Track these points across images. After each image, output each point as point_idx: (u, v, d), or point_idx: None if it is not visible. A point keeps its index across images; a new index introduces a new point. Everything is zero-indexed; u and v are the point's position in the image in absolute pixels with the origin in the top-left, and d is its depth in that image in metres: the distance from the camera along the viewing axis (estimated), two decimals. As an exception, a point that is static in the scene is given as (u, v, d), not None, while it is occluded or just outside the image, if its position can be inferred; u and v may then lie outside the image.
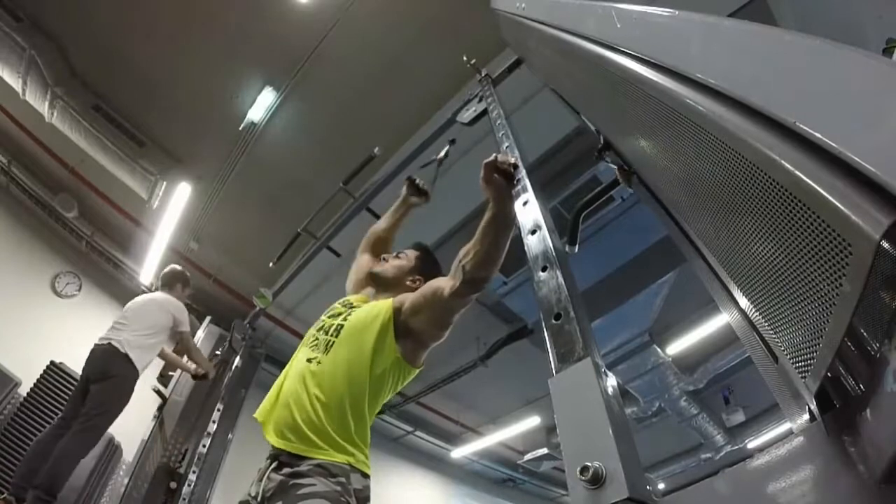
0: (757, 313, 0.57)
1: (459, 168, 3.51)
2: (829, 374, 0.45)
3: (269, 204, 4.57)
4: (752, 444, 6.05)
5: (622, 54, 0.77)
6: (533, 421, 6.34)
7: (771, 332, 0.54)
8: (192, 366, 3.24)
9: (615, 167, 1.23)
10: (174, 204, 4.14)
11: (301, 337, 1.44)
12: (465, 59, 2.44)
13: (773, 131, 0.42)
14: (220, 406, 3.36)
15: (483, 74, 2.37)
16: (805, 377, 0.47)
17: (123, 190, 4.36)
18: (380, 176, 3.36)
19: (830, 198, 0.35)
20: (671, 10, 0.71)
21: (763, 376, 0.71)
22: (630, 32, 0.78)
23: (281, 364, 1.37)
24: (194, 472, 3.02)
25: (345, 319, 1.33)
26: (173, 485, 2.95)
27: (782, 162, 0.40)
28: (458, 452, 7.14)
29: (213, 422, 3.28)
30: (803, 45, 0.47)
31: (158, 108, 3.99)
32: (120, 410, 2.74)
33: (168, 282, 3.33)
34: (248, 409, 3.57)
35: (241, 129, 3.98)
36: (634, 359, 5.16)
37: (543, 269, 0.94)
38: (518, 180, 1.19)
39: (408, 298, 1.31)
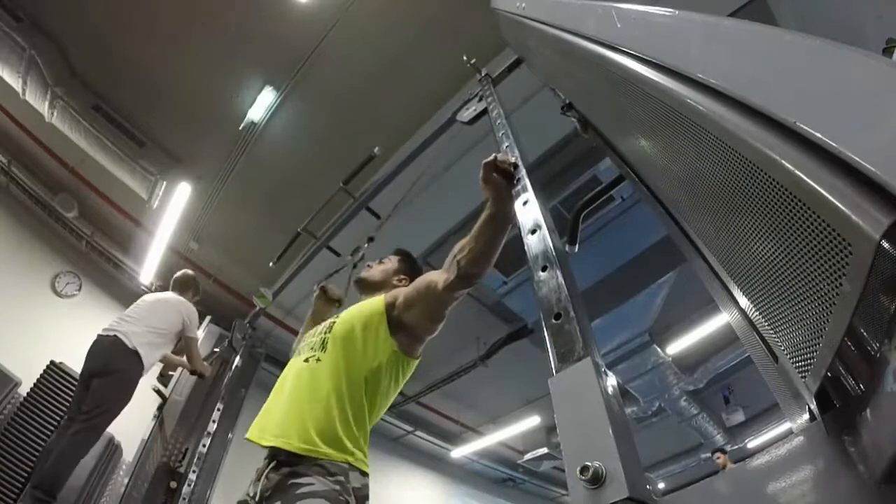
0: (757, 313, 0.57)
1: (459, 168, 3.53)
2: (829, 374, 0.45)
3: (269, 204, 4.57)
4: (752, 444, 6.06)
5: (622, 54, 0.77)
6: (533, 421, 6.35)
7: (771, 332, 0.54)
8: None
9: (574, 121, 1.32)
10: (174, 204, 4.14)
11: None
12: (465, 58, 2.44)
13: (773, 131, 0.42)
14: (220, 406, 3.36)
15: (483, 74, 2.37)
16: (805, 377, 0.47)
17: (123, 190, 4.36)
18: (380, 176, 3.36)
19: (830, 198, 0.35)
20: (671, 10, 0.71)
21: (763, 376, 0.71)
22: (630, 32, 0.78)
23: (281, 364, 1.37)
24: (194, 471, 3.03)
25: (337, 317, 1.35)
26: (173, 484, 2.94)
27: (782, 162, 0.40)
28: (458, 452, 7.15)
29: (213, 421, 3.28)
30: (803, 45, 0.47)
31: (158, 107, 3.99)
32: (122, 408, 2.67)
33: (181, 286, 3.31)
34: (248, 408, 3.57)
35: (241, 128, 3.98)
36: (634, 359, 5.16)
37: (543, 269, 0.94)
38: (518, 180, 1.20)
39: (401, 293, 1.33)
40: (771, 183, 0.42)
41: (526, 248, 1.05)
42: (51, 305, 4.36)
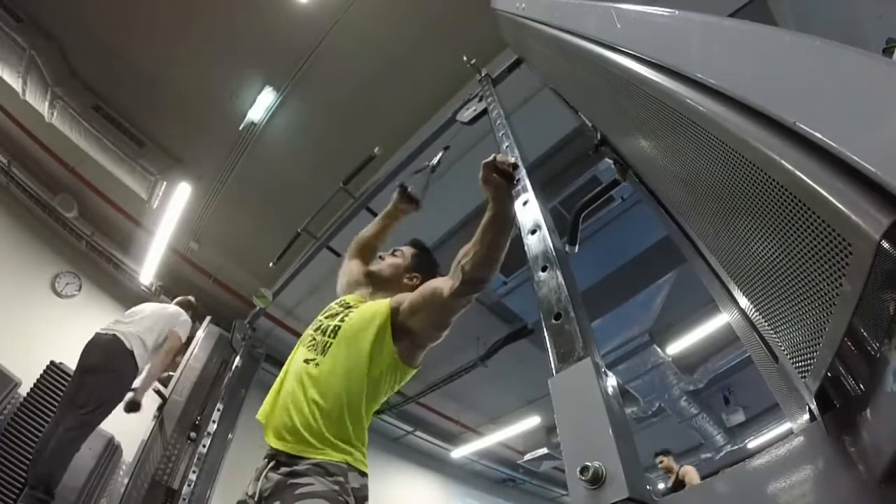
0: (757, 313, 0.57)
1: (459, 168, 3.52)
2: (829, 374, 0.45)
3: (269, 204, 4.57)
4: (752, 444, 6.06)
5: (622, 54, 0.77)
6: (533, 421, 6.35)
7: (771, 332, 0.54)
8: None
9: (612, 162, 1.24)
10: (174, 204, 4.14)
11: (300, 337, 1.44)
12: (465, 59, 2.45)
13: (773, 131, 0.42)
14: (220, 406, 3.36)
15: (483, 74, 2.38)
16: (805, 377, 0.47)
17: (123, 190, 4.36)
18: (380, 176, 3.37)
19: (830, 198, 0.35)
20: (671, 10, 0.71)
21: (763, 376, 0.71)
22: (630, 32, 0.78)
23: (281, 364, 1.36)
24: (194, 471, 3.03)
25: (342, 320, 1.31)
26: (193, 434, 2.97)
27: (782, 162, 0.40)
28: (458, 452, 7.15)
29: (213, 422, 3.28)
30: (803, 45, 0.47)
31: (158, 108, 3.99)
32: (114, 407, 2.71)
33: (182, 305, 3.39)
34: (248, 409, 3.57)
35: (241, 129, 3.98)
36: (634, 359, 5.16)
37: (543, 269, 0.94)
38: (518, 180, 1.19)
39: (406, 298, 1.30)
40: (771, 183, 0.42)
41: (526, 248, 1.05)
42: (51, 305, 4.36)
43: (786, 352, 0.51)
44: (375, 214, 3.15)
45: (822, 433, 0.48)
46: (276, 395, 1.23)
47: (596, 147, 1.30)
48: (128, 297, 4.94)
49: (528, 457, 6.81)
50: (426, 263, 1.55)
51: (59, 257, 4.63)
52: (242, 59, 3.69)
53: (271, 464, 1.10)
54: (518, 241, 1.11)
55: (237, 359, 3.74)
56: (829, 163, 0.36)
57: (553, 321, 0.82)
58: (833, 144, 0.36)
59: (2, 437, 2.91)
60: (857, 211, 0.33)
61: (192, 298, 3.53)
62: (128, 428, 3.14)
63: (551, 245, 0.99)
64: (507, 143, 1.62)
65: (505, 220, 1.15)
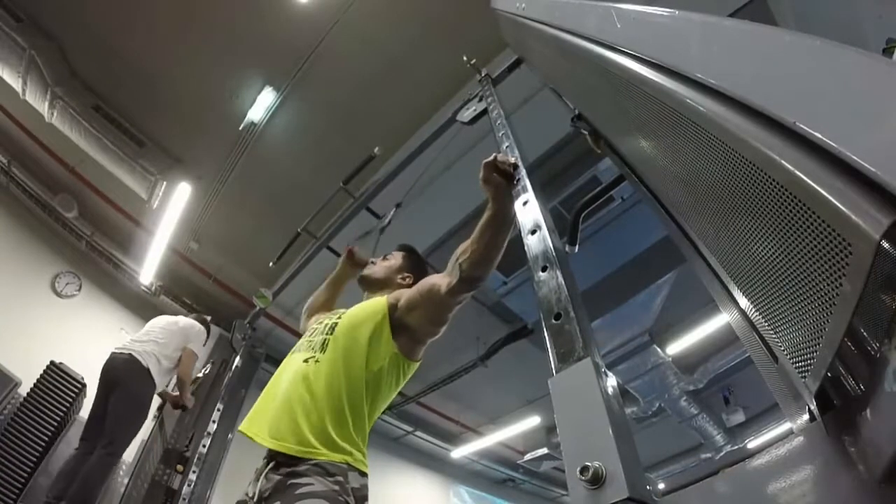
0: (757, 313, 0.57)
1: (459, 168, 3.53)
2: (829, 374, 0.45)
3: (269, 204, 4.57)
4: (752, 444, 6.05)
5: (622, 54, 0.77)
6: (533, 421, 6.34)
7: (771, 332, 0.54)
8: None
9: (586, 133, 1.31)
10: (174, 204, 4.14)
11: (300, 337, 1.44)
12: (465, 59, 2.44)
13: (773, 131, 0.42)
14: (220, 406, 3.36)
15: (483, 74, 2.37)
16: (805, 377, 0.47)
17: (123, 190, 4.36)
18: (380, 176, 3.36)
19: (830, 198, 0.35)
20: (671, 10, 0.71)
21: (763, 376, 0.71)
22: (630, 32, 0.78)
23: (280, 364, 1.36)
24: (194, 471, 3.02)
25: (339, 318, 1.33)
26: (179, 468, 2.98)
27: (782, 162, 0.40)
28: (458, 452, 7.14)
29: (213, 422, 3.28)
30: (803, 45, 0.47)
31: (158, 108, 3.99)
32: (139, 428, 2.76)
33: (196, 319, 3.39)
34: (248, 408, 3.56)
35: (241, 129, 3.98)
36: (634, 359, 5.15)
37: (543, 269, 0.94)
38: (518, 180, 1.19)
39: (403, 295, 1.32)
40: (771, 183, 0.42)
41: (526, 248, 1.05)
42: (51, 305, 4.36)
43: (786, 352, 0.51)
44: (376, 214, 3.19)
45: (822, 433, 0.49)
46: (270, 400, 1.20)
47: (572, 120, 1.38)
48: (128, 297, 4.94)
49: (528, 457, 6.81)
50: (417, 264, 1.60)
51: (59, 257, 4.64)
52: (242, 59, 3.69)
53: (271, 464, 1.10)
54: (518, 241, 1.11)
55: (237, 359, 3.73)
56: (829, 163, 0.36)
57: (553, 321, 0.82)
58: (833, 144, 0.36)
59: (2, 437, 2.91)
60: (857, 211, 0.33)
61: (207, 318, 3.54)
62: (128, 428, 3.13)
63: (551, 245, 0.99)
64: (507, 143, 1.62)
65: (504, 220, 1.16)
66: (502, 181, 1.15)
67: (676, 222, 0.84)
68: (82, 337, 3.56)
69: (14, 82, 3.67)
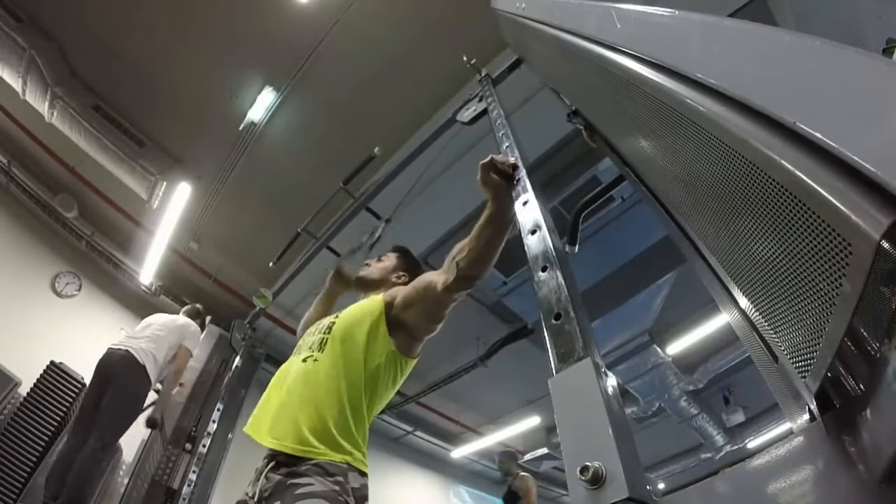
0: (757, 313, 0.57)
1: (459, 168, 3.53)
2: (829, 374, 0.45)
3: (269, 204, 4.57)
4: (752, 444, 6.05)
5: (622, 54, 0.77)
6: (533, 421, 6.35)
7: (771, 332, 0.54)
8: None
9: (581, 128, 1.32)
10: (174, 204, 4.14)
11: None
12: (465, 59, 2.44)
13: (773, 131, 0.42)
14: (220, 406, 3.36)
15: (483, 74, 2.37)
16: (805, 377, 0.47)
17: (123, 190, 4.36)
18: (380, 176, 3.37)
19: (830, 198, 0.35)
20: (671, 10, 0.71)
21: (763, 376, 0.71)
22: (630, 32, 0.78)
23: (281, 364, 1.36)
24: (194, 471, 3.03)
25: (336, 317, 1.34)
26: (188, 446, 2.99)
27: (782, 162, 0.40)
28: (458, 452, 7.15)
29: (213, 422, 3.28)
30: (803, 45, 0.47)
31: (158, 108, 3.99)
32: (131, 422, 2.75)
33: (191, 314, 3.41)
34: (247, 408, 3.57)
35: (241, 129, 3.98)
36: (634, 359, 5.15)
37: (543, 269, 0.94)
38: (518, 180, 1.19)
39: (399, 292, 1.33)
40: (771, 183, 0.42)
41: (526, 248, 1.05)
42: (51, 305, 4.36)
43: (786, 352, 0.51)
44: (376, 214, 3.19)
45: (822, 433, 0.48)
46: (270, 400, 1.21)
47: (568, 116, 1.39)
48: (128, 297, 4.95)
49: (528, 457, 6.81)
50: (411, 263, 1.63)
51: (59, 257, 4.64)
52: (242, 59, 3.69)
53: (271, 464, 1.10)
54: (518, 241, 1.11)
55: (237, 359, 3.74)
56: (829, 163, 0.36)
57: (553, 321, 0.81)
58: (833, 144, 0.36)
59: (2, 437, 2.91)
60: (857, 211, 0.33)
61: (199, 307, 3.56)
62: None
63: (551, 245, 0.99)
64: (507, 144, 1.62)
65: (503, 220, 1.16)
66: (501, 182, 1.16)
67: (676, 222, 0.84)
68: (82, 337, 3.55)
69: (14, 82, 3.67)
